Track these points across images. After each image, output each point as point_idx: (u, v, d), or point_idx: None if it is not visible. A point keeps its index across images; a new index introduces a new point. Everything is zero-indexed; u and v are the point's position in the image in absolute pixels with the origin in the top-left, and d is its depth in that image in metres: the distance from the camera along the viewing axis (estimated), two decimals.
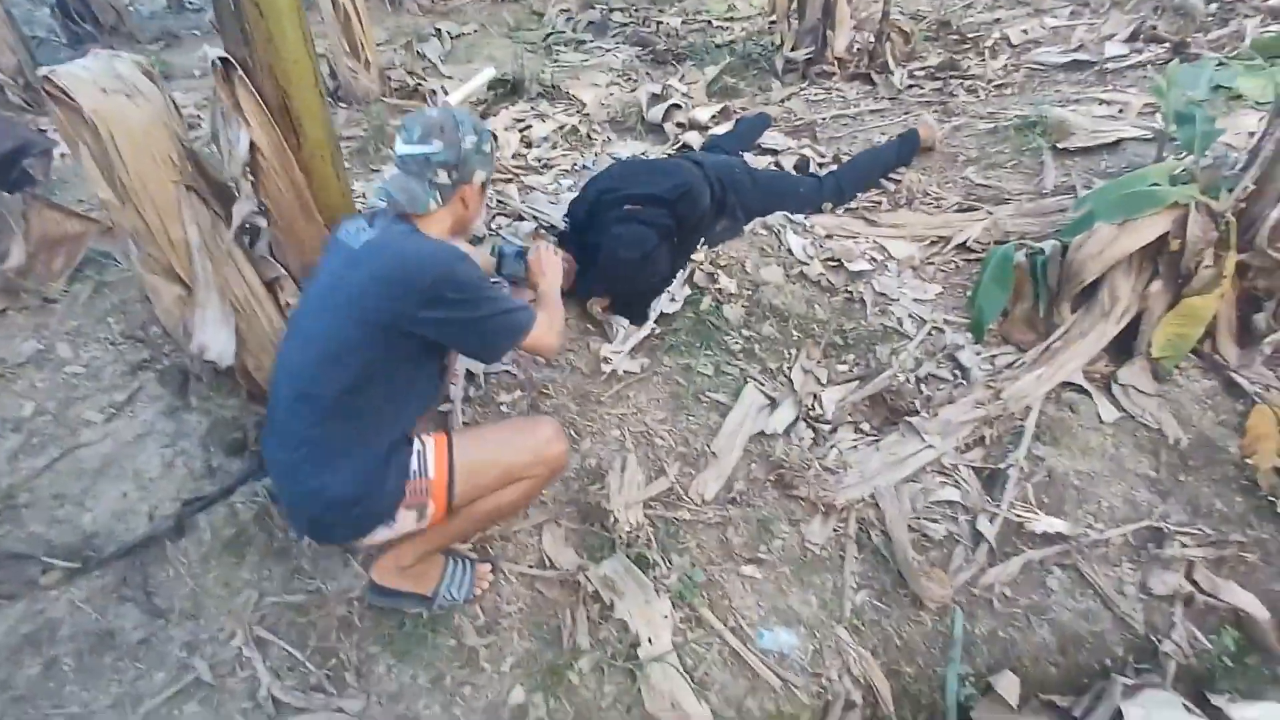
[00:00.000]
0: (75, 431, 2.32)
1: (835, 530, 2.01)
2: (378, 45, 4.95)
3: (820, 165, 3.44)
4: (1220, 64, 3.60)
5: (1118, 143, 3.20)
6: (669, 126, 4.00)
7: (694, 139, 3.75)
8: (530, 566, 1.94)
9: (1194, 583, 1.89)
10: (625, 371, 2.43)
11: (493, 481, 1.65)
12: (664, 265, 2.56)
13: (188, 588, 1.91)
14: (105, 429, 2.32)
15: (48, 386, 2.51)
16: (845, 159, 3.41)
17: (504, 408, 2.33)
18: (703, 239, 2.72)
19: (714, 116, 4.01)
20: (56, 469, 2.21)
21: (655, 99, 4.23)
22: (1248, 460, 2.07)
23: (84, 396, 2.46)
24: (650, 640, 1.75)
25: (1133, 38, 4.33)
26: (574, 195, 2.87)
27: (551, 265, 1.96)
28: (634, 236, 2.49)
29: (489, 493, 1.66)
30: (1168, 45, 4.12)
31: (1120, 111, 3.50)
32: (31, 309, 2.82)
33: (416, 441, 1.61)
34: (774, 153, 3.60)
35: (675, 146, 3.79)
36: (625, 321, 2.57)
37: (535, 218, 3.14)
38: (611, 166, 2.95)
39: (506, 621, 1.83)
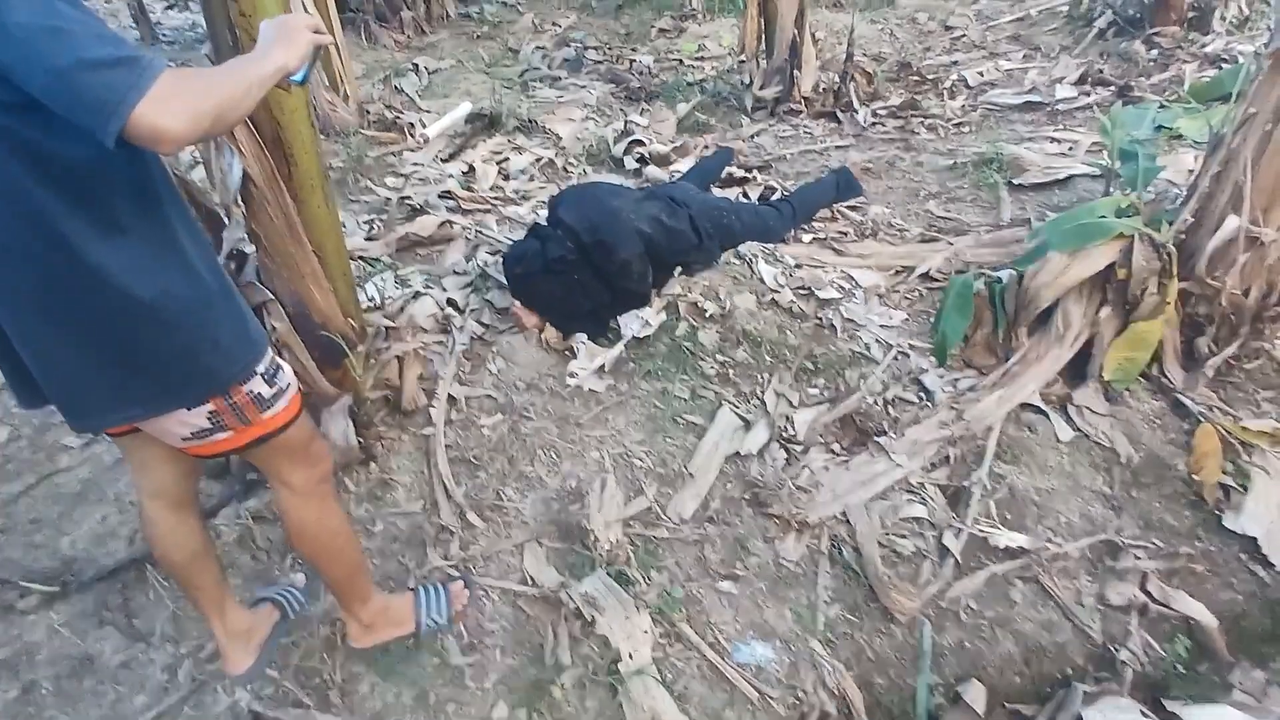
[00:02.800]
0: (52, 457, 2.32)
1: (808, 547, 2.07)
2: (356, 79, 5.03)
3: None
4: (1162, 106, 3.83)
5: (1068, 179, 3.38)
6: (628, 160, 4.11)
7: (655, 172, 3.87)
8: (513, 584, 1.98)
9: (1148, 593, 1.98)
10: (592, 389, 2.51)
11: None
12: (572, 296, 2.66)
13: (168, 611, 1.91)
14: (83, 454, 2.32)
15: (23, 413, 2.50)
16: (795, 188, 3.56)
17: (485, 430, 2.38)
18: (680, 269, 2.82)
19: (673, 150, 4.13)
20: (33, 494, 2.21)
21: (621, 134, 4.36)
22: (1195, 476, 2.18)
23: (60, 422, 2.45)
24: (631, 655, 1.79)
25: (1081, 81, 4.59)
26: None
27: (285, 33, 1.21)
28: (519, 251, 2.72)
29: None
30: (1113, 88, 4.37)
31: (1070, 149, 3.70)
32: None
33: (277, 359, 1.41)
34: (743, 181, 3.73)
35: (640, 181, 3.90)
36: (588, 341, 2.67)
37: None
38: (589, 187, 3.03)
39: (490, 639, 1.86)
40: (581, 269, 2.63)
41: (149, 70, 0.95)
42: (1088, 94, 4.40)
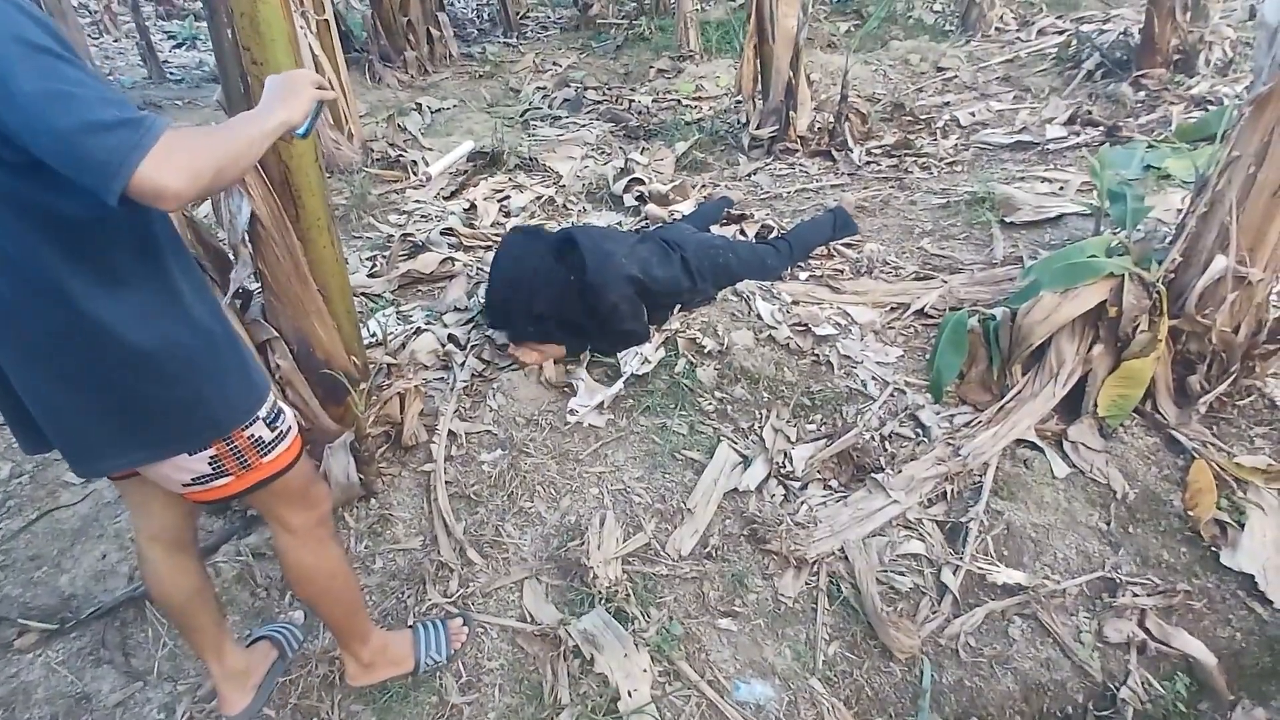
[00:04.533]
0: (54, 493, 2.33)
1: (807, 583, 2.08)
2: (360, 118, 5.13)
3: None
4: (1150, 147, 3.92)
5: (1059, 217, 3.44)
6: (628, 198, 4.18)
7: (654, 210, 3.93)
8: (512, 621, 1.98)
9: (1146, 630, 1.98)
10: (592, 425, 2.53)
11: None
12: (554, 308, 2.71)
13: (166, 649, 1.91)
14: (85, 490, 2.33)
15: None
16: (792, 225, 3.61)
17: (485, 466, 2.39)
18: (679, 305, 2.86)
19: (672, 189, 4.19)
20: (34, 530, 2.21)
21: (621, 173, 4.44)
22: (1190, 512, 2.20)
23: (62, 459, 2.47)
24: (630, 694, 1.79)
25: (1070, 121, 4.68)
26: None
27: (289, 89, 1.28)
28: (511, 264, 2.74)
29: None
30: (1102, 129, 4.46)
31: (1061, 189, 3.77)
32: None
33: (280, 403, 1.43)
34: (741, 219, 3.79)
35: (639, 220, 3.96)
36: (587, 378, 2.70)
37: None
38: (586, 229, 3.07)
39: (488, 678, 1.86)
40: (572, 297, 2.67)
41: (151, 131, 0.98)
42: (1077, 134, 4.49)
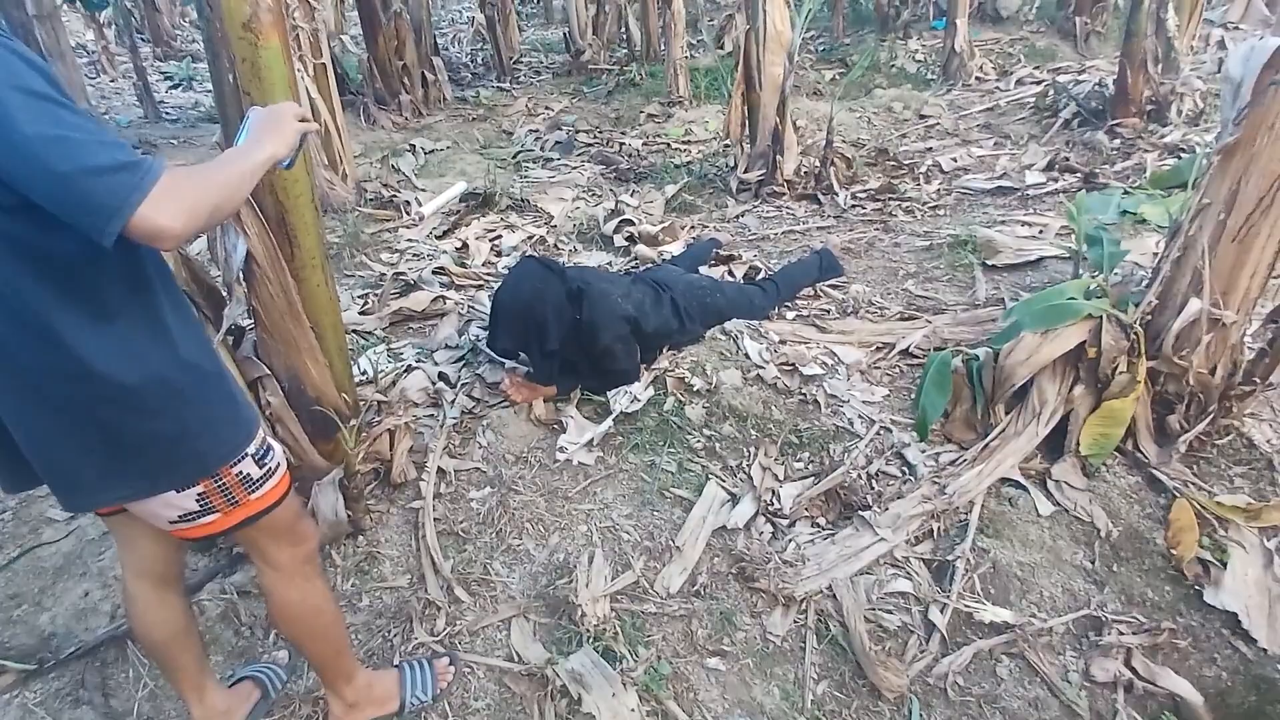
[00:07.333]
0: (36, 530, 2.31)
1: (795, 622, 2.08)
2: (354, 158, 5.20)
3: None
4: (1126, 193, 4.03)
5: (1039, 260, 3.52)
6: (618, 239, 4.25)
7: (644, 250, 3.99)
8: (499, 661, 1.96)
9: (1133, 670, 1.98)
10: (581, 463, 2.54)
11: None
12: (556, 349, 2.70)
13: (147, 689, 1.88)
14: (68, 527, 2.31)
15: None
16: (780, 266, 3.69)
17: (474, 504, 2.39)
18: (666, 344, 2.90)
19: (661, 230, 4.25)
20: (15, 568, 2.19)
21: (612, 214, 4.51)
22: (1173, 551, 2.22)
23: (46, 494, 2.44)
24: None
25: (1049, 168, 4.81)
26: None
27: (274, 122, 1.32)
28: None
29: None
30: (1079, 175, 4.58)
31: (1040, 233, 3.86)
32: None
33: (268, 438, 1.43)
34: (729, 260, 3.86)
35: (629, 260, 4.02)
36: (577, 415, 2.71)
37: None
38: (586, 272, 3.10)
39: (474, 718, 1.83)
40: (572, 341, 2.68)
41: (150, 174, 1.01)
42: (1056, 180, 4.61)
